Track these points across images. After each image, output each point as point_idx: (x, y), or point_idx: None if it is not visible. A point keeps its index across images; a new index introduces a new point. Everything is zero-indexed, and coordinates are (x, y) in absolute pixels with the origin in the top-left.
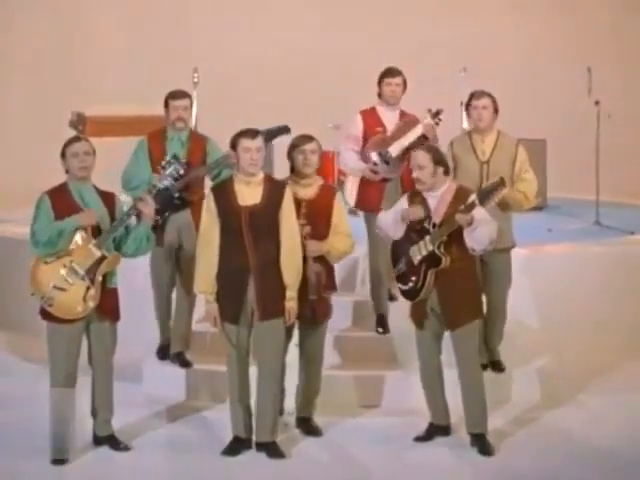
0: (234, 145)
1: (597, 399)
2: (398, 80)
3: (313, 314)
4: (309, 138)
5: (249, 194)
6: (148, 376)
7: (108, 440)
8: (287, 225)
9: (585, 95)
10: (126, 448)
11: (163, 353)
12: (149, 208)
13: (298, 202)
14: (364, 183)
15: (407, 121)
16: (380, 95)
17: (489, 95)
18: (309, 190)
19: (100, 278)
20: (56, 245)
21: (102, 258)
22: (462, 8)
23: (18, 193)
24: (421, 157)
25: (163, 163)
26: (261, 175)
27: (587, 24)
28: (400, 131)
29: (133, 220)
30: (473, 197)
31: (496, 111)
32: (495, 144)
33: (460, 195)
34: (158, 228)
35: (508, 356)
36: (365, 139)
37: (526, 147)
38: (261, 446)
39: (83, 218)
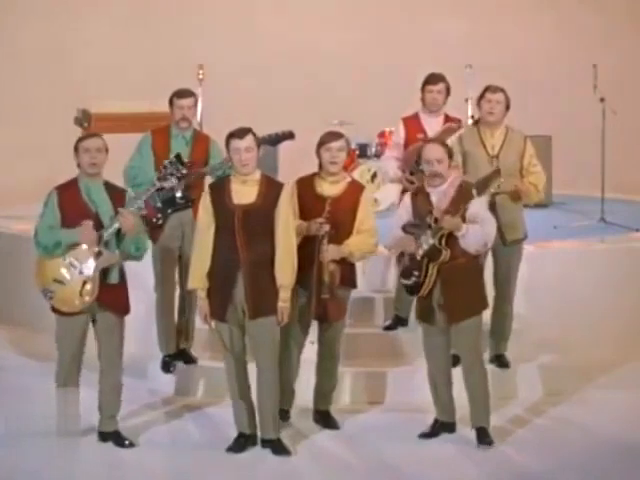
0: (227, 146)
1: (601, 394)
2: (440, 87)
3: (325, 313)
4: (337, 135)
5: (245, 193)
6: (152, 372)
7: (113, 436)
8: (282, 226)
9: (591, 92)
10: (131, 444)
11: (167, 366)
12: (128, 222)
13: (323, 199)
14: (405, 192)
15: (447, 128)
16: (422, 101)
17: (503, 91)
18: (336, 187)
19: (97, 273)
20: (52, 252)
21: (99, 254)
22: (468, 5)
23: (22, 189)
24: (438, 150)
25: (165, 162)
26: (257, 175)
27: (593, 20)
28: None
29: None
30: (472, 189)
31: (507, 107)
32: (504, 139)
33: (463, 190)
34: (157, 226)
35: (512, 352)
36: (407, 146)
37: (531, 143)
38: (266, 443)
39: (81, 236)
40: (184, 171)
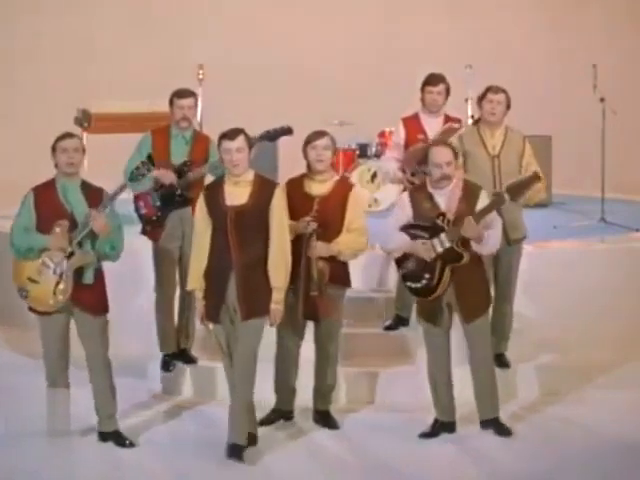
0: (218, 146)
1: (600, 394)
2: (440, 88)
3: (314, 310)
4: (321, 134)
5: (237, 194)
6: (152, 372)
7: (113, 436)
8: (277, 226)
9: (590, 92)
10: (131, 444)
11: (167, 366)
12: (98, 223)
13: (312, 198)
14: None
15: (447, 129)
16: (422, 102)
17: (504, 91)
18: (323, 186)
19: (70, 273)
20: (24, 256)
21: (71, 254)
22: (467, 4)
23: (22, 189)
24: (447, 154)
25: (138, 163)
26: (251, 175)
27: (593, 20)
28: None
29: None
30: (502, 193)
31: (508, 107)
32: (504, 139)
33: (468, 190)
34: (157, 225)
35: (512, 352)
36: (407, 146)
37: (531, 143)
38: (229, 446)
39: (52, 242)
40: (147, 173)
